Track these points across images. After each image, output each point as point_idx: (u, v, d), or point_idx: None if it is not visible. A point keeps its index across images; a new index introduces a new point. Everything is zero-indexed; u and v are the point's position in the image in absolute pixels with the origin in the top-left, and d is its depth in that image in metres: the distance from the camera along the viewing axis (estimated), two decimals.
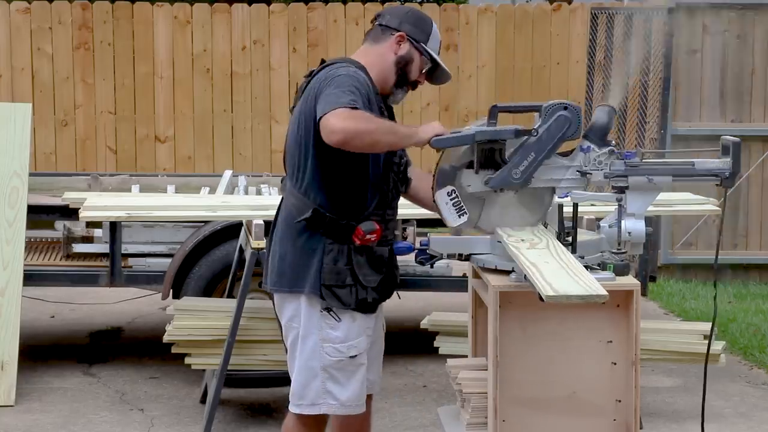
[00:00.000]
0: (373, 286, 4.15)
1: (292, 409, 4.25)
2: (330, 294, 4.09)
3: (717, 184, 4.13)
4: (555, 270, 3.69)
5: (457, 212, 4.07)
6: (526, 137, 4.01)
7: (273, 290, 4.23)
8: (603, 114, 4.10)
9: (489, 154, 4.02)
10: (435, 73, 4.30)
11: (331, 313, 4.12)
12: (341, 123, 3.86)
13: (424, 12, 4.53)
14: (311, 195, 4.12)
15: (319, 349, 4.14)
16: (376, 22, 4.27)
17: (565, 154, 4.10)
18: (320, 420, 4.29)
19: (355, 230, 4.08)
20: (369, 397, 4.38)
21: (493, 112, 4.05)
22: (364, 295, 4.13)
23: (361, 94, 4.00)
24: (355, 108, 3.91)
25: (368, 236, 4.09)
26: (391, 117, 4.25)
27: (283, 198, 4.27)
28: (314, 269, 4.10)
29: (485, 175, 4.03)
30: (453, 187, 4.05)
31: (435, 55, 4.24)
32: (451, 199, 4.06)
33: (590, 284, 3.59)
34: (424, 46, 4.21)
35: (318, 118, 3.94)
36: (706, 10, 9.57)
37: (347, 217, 4.11)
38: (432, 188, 4.08)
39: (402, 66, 4.21)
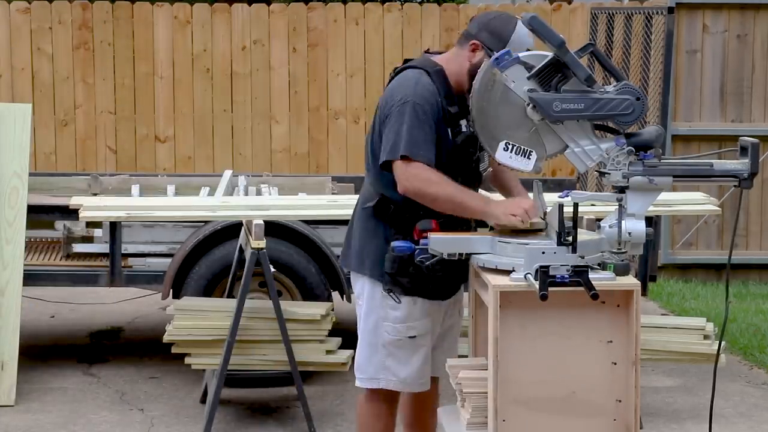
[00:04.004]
0: (439, 275, 4.24)
1: (357, 382, 4.49)
2: (391, 281, 4.29)
3: (735, 185, 4.13)
4: None
5: (525, 156, 4.07)
6: (591, 86, 4.00)
7: (345, 267, 4.57)
8: (654, 131, 4.12)
9: (551, 75, 4.01)
10: None
11: (392, 294, 4.31)
12: (407, 183, 4.17)
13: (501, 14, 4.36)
14: (379, 187, 4.35)
15: (380, 327, 4.36)
16: (466, 29, 4.40)
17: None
18: (390, 396, 4.48)
19: (413, 228, 4.22)
20: (435, 380, 4.56)
21: (587, 48, 4.11)
22: (428, 284, 4.29)
23: (427, 123, 4.19)
24: (419, 161, 4.15)
25: (425, 234, 4.19)
26: (464, 112, 4.29)
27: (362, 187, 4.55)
28: (378, 255, 4.31)
29: (533, 85, 4.02)
30: (505, 140, 4.06)
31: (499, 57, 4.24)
32: (510, 151, 4.07)
33: None
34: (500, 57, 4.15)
35: (385, 158, 4.20)
36: (707, 10, 9.58)
37: (410, 209, 4.26)
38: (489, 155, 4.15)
39: (474, 74, 4.18)
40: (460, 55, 4.32)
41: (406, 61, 4.42)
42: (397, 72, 4.38)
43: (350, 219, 4.55)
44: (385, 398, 4.48)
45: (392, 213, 4.30)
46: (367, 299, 4.39)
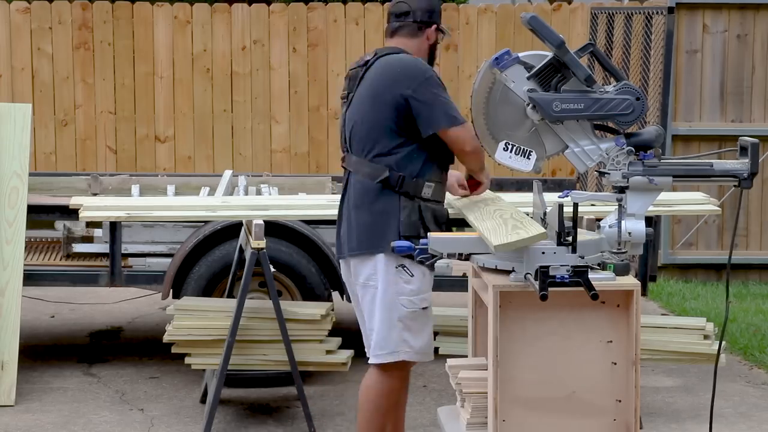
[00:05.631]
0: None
1: (374, 360, 4.67)
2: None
3: (735, 185, 4.13)
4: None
5: (524, 156, 4.09)
6: (590, 86, 4.03)
7: (352, 255, 4.67)
8: (654, 131, 4.13)
9: (551, 75, 4.06)
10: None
11: (405, 268, 4.55)
12: (475, 141, 4.47)
13: None
14: (383, 162, 4.57)
15: (396, 302, 4.57)
16: (408, 19, 4.78)
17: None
18: (404, 372, 4.73)
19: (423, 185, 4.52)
20: None
21: (586, 47, 4.15)
22: None
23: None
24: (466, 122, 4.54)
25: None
26: None
27: (350, 172, 4.69)
28: (393, 227, 4.54)
29: (533, 85, 4.06)
30: (504, 140, 4.08)
31: (445, 29, 4.88)
32: (510, 151, 4.09)
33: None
34: (443, 27, 4.86)
35: (445, 125, 4.51)
36: (707, 10, 9.58)
37: (422, 176, 4.56)
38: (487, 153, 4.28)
39: (433, 49, 4.82)
40: (419, 42, 4.78)
41: (376, 52, 4.74)
42: (377, 57, 4.67)
43: (339, 208, 4.74)
44: (399, 374, 4.69)
45: (400, 182, 4.54)
46: (381, 277, 4.57)
